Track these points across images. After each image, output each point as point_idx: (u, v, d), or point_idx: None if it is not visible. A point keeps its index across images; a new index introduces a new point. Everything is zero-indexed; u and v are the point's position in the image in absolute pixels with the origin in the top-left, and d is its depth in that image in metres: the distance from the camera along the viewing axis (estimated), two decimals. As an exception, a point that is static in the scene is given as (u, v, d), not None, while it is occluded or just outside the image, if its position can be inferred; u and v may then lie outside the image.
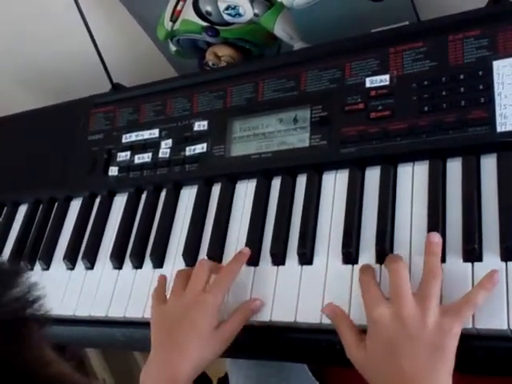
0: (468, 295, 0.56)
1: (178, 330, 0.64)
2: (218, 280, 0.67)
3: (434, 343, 0.53)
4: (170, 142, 0.84)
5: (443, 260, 0.59)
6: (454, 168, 0.65)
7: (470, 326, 0.55)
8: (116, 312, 0.76)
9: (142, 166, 0.85)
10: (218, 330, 0.64)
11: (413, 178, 0.67)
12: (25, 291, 0.32)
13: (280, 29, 0.86)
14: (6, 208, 0.98)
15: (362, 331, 0.59)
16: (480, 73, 0.66)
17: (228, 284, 0.67)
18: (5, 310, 0.30)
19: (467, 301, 0.55)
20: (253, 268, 0.70)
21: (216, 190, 0.79)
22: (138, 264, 0.79)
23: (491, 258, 0.58)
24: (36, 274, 0.86)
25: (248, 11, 0.86)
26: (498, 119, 0.63)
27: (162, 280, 0.71)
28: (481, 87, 0.65)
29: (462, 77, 0.66)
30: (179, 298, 0.66)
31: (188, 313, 0.64)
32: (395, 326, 0.55)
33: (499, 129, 0.63)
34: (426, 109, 0.67)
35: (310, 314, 0.63)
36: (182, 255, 0.75)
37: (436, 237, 0.59)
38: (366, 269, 0.62)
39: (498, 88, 0.64)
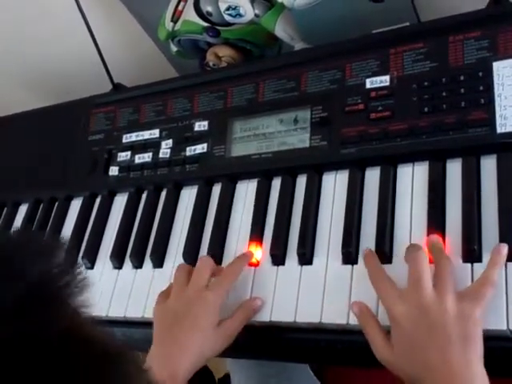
0: (483, 275, 0.55)
1: (179, 325, 0.64)
2: (220, 279, 0.67)
3: (460, 333, 0.51)
4: (170, 142, 0.84)
5: (443, 260, 0.60)
6: (454, 169, 0.65)
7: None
8: (116, 312, 0.76)
9: (143, 165, 0.85)
10: (219, 327, 0.64)
11: (413, 179, 0.67)
12: (63, 260, 0.32)
13: (281, 29, 0.86)
14: (6, 208, 0.98)
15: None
16: (480, 74, 0.66)
17: (230, 283, 0.67)
18: (43, 277, 0.30)
19: (484, 281, 0.54)
20: (253, 268, 0.70)
21: (216, 190, 0.79)
22: (138, 264, 0.79)
23: (491, 259, 0.58)
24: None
25: (249, 12, 0.86)
26: (498, 120, 0.63)
27: (171, 284, 0.71)
28: (481, 88, 0.65)
29: (462, 78, 0.66)
30: (181, 294, 0.66)
31: (190, 309, 0.64)
32: (417, 318, 0.54)
33: (499, 130, 0.63)
34: (426, 109, 0.67)
35: (309, 314, 0.63)
36: (183, 255, 0.75)
37: (434, 236, 0.60)
38: (372, 259, 0.61)
39: (498, 89, 0.64)
